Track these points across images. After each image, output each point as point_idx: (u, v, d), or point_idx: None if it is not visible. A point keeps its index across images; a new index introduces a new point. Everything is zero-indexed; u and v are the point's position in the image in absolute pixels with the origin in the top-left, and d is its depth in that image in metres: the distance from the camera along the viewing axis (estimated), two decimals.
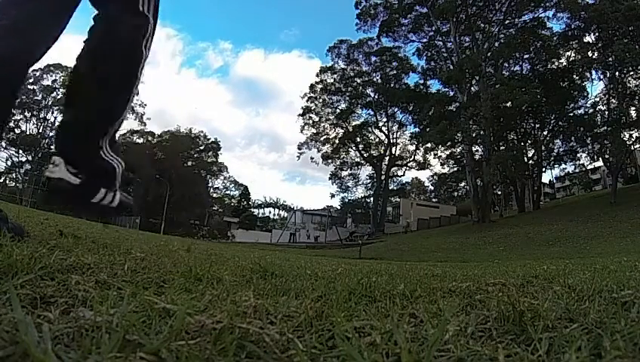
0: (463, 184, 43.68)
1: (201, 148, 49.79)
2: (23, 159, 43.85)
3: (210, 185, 52.32)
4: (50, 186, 1.13)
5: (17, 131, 42.33)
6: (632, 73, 24.11)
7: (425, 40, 35.23)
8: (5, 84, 1.11)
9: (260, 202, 63.66)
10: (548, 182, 48.40)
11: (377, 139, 44.00)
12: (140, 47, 1.25)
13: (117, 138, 1.33)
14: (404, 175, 46.57)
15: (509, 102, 26.33)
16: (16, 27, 1.10)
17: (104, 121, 1.24)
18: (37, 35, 1.16)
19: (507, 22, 29.61)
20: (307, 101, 43.72)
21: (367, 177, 45.37)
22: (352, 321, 0.64)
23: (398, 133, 43.38)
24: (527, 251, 14.20)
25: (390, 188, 43.82)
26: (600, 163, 30.26)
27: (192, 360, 0.43)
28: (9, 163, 42.76)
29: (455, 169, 38.25)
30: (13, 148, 42.26)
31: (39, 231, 1.89)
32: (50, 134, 44.56)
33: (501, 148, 30.02)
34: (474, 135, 28.17)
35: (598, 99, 26.94)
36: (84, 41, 1.23)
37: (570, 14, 25.90)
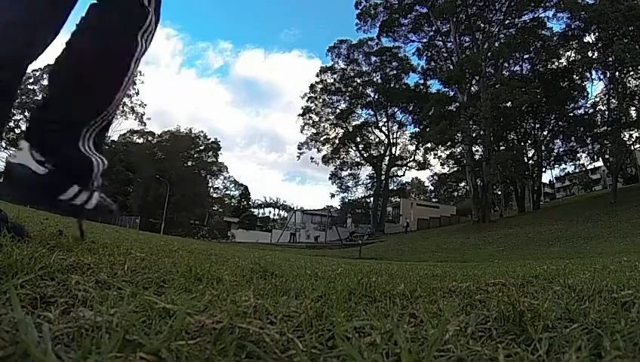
0: (463, 184, 43.75)
1: (201, 148, 49.79)
2: None
3: (210, 185, 52.33)
4: (7, 173, 0.94)
5: (17, 131, 42.32)
6: (632, 73, 24.10)
7: (425, 40, 35.28)
8: (3, 86, 1.06)
9: (260, 202, 63.70)
10: (548, 182, 48.43)
11: (377, 139, 44.07)
12: (134, 36, 1.15)
13: (105, 139, 1.19)
14: (404, 175, 46.66)
15: (509, 102, 26.33)
16: (12, 25, 1.05)
17: (86, 108, 1.10)
18: (33, 32, 1.11)
19: (507, 22, 29.62)
20: (307, 101, 43.79)
21: (367, 177, 45.45)
22: (352, 321, 0.64)
23: (398, 133, 43.45)
24: (527, 251, 14.20)
25: (390, 188, 43.82)
26: (600, 163, 30.25)
27: (192, 360, 0.43)
28: None
29: (455, 169, 38.27)
30: (13, 149, 42.23)
31: (39, 231, 1.89)
32: None
33: (501, 148, 30.02)
34: (474, 135, 28.18)
35: (598, 99, 26.97)
36: (77, 24, 1.15)
37: (570, 14, 25.90)
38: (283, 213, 62.46)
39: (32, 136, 1.02)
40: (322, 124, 43.73)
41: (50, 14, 1.15)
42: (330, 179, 44.72)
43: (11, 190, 1.02)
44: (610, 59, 23.33)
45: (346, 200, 46.43)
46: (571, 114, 28.62)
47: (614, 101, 24.90)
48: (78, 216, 1.16)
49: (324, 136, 43.91)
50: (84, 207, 1.04)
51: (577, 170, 37.33)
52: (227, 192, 57.43)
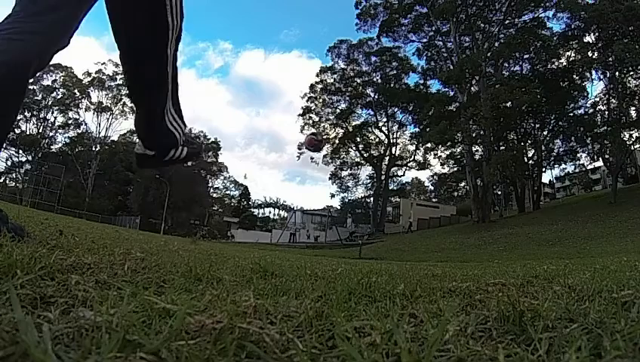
0: (463, 184, 43.70)
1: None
2: (23, 159, 43.89)
3: (210, 185, 52.33)
4: (138, 158, 1.62)
5: (17, 131, 42.31)
6: (632, 73, 24.08)
7: (425, 40, 35.25)
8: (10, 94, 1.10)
9: (260, 202, 63.64)
10: (548, 182, 48.42)
11: (377, 139, 44.05)
12: (165, 16, 1.31)
13: (178, 99, 1.56)
14: (404, 175, 46.65)
15: (509, 102, 26.31)
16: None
17: (151, 102, 1.48)
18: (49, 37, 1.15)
19: (507, 22, 29.59)
20: (307, 101, 43.75)
21: (367, 177, 45.46)
22: (352, 321, 0.64)
23: (398, 133, 43.43)
24: (528, 251, 14.19)
25: (390, 188, 43.81)
26: (600, 163, 30.26)
27: (192, 360, 0.43)
28: (9, 163, 42.76)
29: (455, 169, 38.26)
30: (13, 148, 42.26)
31: (39, 231, 1.89)
32: (50, 134, 44.62)
33: (501, 148, 29.98)
34: (474, 135, 28.15)
35: (598, 99, 26.93)
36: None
37: (570, 14, 25.89)
38: (283, 213, 62.46)
39: (140, 138, 1.59)
40: (322, 124, 43.72)
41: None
42: (330, 179, 44.83)
43: (144, 164, 1.66)
44: (610, 59, 23.31)
45: (346, 200, 46.48)
46: (571, 114, 28.58)
47: (614, 101, 24.88)
48: (178, 163, 1.73)
49: (324, 136, 43.90)
50: (179, 157, 1.66)
51: (577, 170, 37.35)
52: (227, 192, 57.49)
